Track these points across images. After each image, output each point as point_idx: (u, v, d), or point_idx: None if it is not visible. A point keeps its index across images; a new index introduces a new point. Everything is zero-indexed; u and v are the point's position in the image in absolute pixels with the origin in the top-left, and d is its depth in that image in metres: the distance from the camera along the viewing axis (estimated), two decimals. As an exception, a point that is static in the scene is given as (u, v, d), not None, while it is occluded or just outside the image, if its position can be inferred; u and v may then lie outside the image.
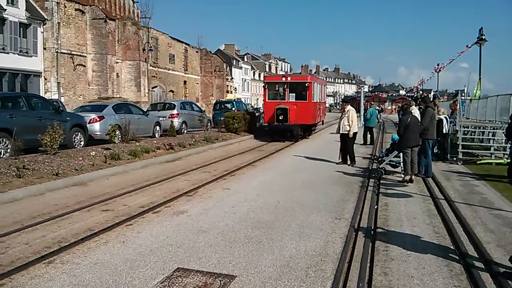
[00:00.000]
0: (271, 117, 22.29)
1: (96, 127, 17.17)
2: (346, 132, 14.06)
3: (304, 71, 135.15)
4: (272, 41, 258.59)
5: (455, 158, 14.69)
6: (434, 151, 14.88)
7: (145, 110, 22.84)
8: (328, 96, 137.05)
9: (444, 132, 14.00)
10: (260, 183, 11.12)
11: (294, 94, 22.55)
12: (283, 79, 23.93)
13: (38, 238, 6.46)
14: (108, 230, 6.83)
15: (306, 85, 22.59)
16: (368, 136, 21.19)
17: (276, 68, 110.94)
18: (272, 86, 23.98)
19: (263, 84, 24.72)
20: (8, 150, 12.16)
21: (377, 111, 27.51)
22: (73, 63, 35.12)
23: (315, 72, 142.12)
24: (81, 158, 12.44)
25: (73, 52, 34.99)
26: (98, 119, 17.36)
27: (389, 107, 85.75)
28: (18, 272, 5.15)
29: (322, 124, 32.85)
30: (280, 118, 21.46)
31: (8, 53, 29.57)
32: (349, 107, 14.56)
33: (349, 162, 14.04)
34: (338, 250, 5.97)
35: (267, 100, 23.81)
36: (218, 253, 5.83)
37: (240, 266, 5.37)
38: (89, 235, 6.55)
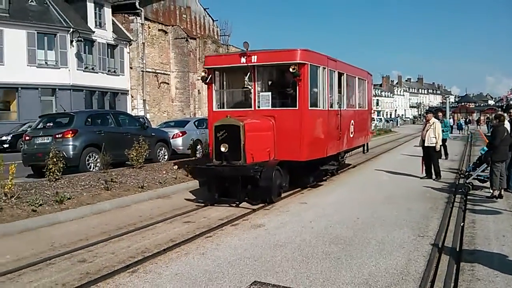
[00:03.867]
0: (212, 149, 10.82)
1: (178, 142, 17.85)
2: (433, 145, 13.46)
3: (385, 82, 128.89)
4: (353, 50, 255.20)
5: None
6: None
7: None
8: (412, 107, 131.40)
9: None
10: (337, 197, 10.92)
11: (268, 93, 11.17)
12: (243, 59, 10.79)
13: (123, 248, 6.79)
14: (188, 242, 7.02)
15: (292, 70, 10.24)
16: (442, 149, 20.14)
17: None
18: (224, 76, 12.11)
19: (201, 75, 12.04)
20: (98, 164, 12.90)
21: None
22: (158, 81, 36.85)
23: (397, 83, 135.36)
24: (164, 172, 12.90)
25: (157, 71, 36.72)
26: (180, 134, 18.04)
27: (477, 118, 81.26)
28: (104, 280, 5.43)
29: (365, 151, 17.91)
30: (223, 149, 9.72)
31: (97, 72, 31.67)
32: (434, 119, 13.96)
33: (434, 177, 13.41)
34: (421, 269, 5.70)
35: (214, 109, 11.78)
36: (295, 268, 5.78)
37: (317, 282, 5.28)
38: (170, 246, 6.77)
